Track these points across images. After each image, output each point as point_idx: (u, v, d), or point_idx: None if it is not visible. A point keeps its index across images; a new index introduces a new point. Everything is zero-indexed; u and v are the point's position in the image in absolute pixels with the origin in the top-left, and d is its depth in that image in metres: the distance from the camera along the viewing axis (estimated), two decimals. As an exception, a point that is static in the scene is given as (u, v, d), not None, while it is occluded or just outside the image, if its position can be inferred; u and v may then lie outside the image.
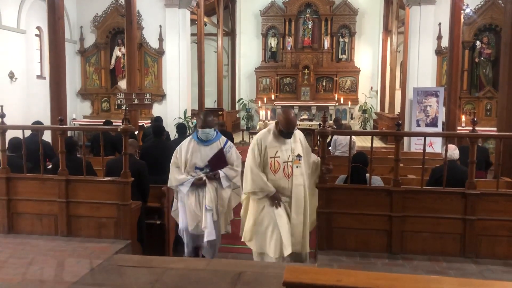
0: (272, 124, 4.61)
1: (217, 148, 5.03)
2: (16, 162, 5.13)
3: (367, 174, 4.75)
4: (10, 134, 5.21)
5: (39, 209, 4.84)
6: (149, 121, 10.67)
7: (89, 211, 4.76)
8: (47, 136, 7.55)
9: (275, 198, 4.35)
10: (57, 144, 5.09)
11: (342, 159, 7.73)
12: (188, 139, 5.14)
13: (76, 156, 5.62)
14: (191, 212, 4.92)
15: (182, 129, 7.48)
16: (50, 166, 6.12)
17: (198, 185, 4.91)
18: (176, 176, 4.98)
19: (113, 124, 8.91)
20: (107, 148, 7.45)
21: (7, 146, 5.14)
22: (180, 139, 7.31)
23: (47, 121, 8.51)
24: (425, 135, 4.63)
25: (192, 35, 14.38)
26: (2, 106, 4.77)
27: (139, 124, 11.37)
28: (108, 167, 5.25)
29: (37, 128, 5.76)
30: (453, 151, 5.48)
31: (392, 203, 4.29)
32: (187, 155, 4.97)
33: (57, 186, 4.78)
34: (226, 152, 5.09)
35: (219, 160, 5.00)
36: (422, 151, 4.64)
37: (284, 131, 4.40)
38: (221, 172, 4.96)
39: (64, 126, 4.90)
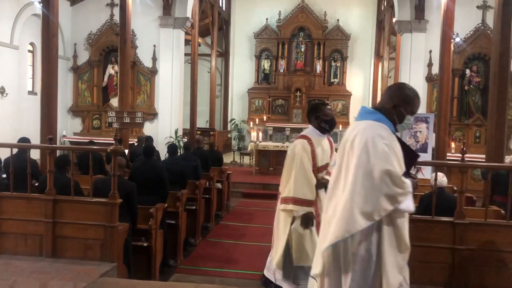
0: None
1: None
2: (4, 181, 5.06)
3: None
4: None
5: (24, 229, 4.76)
6: (136, 140, 10.59)
7: (76, 232, 4.69)
8: (35, 153, 7.49)
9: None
10: (46, 162, 5.02)
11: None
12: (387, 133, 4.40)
13: (65, 175, 5.55)
14: None
15: (173, 150, 7.45)
16: (37, 184, 6.06)
17: None
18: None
19: (95, 143, 8.84)
20: (94, 167, 7.40)
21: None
22: (170, 160, 7.30)
23: (36, 137, 8.46)
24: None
25: (186, 54, 14.49)
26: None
27: (130, 142, 11.35)
28: (96, 187, 5.18)
29: (25, 147, 5.68)
30: (442, 178, 5.51)
31: (382, 231, 4.26)
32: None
33: (43, 205, 4.71)
34: None
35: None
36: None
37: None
38: None
39: (53, 145, 4.86)
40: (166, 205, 6.24)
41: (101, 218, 4.64)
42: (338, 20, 19.25)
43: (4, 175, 5.27)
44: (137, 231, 5.57)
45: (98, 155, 8.23)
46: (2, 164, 5.13)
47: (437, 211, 4.45)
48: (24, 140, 6.35)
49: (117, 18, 12.42)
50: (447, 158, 10.81)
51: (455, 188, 6.48)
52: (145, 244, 5.68)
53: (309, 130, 4.36)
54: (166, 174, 6.12)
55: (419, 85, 12.65)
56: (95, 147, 5.90)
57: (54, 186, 4.82)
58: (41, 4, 8.11)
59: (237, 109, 20.36)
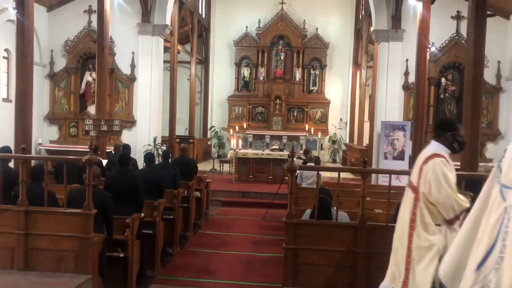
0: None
1: None
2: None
3: (334, 209, 4.78)
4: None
5: (-4, 241, 4.64)
6: (112, 148, 10.44)
7: (49, 243, 4.60)
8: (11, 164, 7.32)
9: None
10: (19, 172, 4.92)
11: (308, 191, 7.80)
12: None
13: (41, 185, 5.43)
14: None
15: (150, 159, 7.36)
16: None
17: None
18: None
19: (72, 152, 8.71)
20: (73, 175, 7.27)
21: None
22: (147, 169, 7.21)
23: (11, 146, 8.24)
24: (390, 172, 4.71)
25: (165, 62, 14.41)
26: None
27: (107, 150, 11.19)
28: (70, 197, 5.09)
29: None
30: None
31: (358, 240, 4.30)
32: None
33: (15, 217, 4.60)
34: None
35: None
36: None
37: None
38: None
39: (27, 155, 4.76)
40: (143, 214, 6.17)
41: (75, 229, 4.56)
42: (317, 28, 19.47)
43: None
44: (113, 242, 5.48)
45: (78, 163, 8.08)
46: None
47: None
48: (5, 149, 6.20)
49: (95, 24, 12.26)
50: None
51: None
52: (122, 255, 5.60)
53: (437, 147, 3.79)
54: (141, 183, 6.06)
55: (396, 94, 12.87)
56: (70, 156, 5.77)
57: (29, 196, 4.71)
58: (16, 10, 7.97)
59: (217, 117, 20.34)
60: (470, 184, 6.43)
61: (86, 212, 4.53)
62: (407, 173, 4.32)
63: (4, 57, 12.45)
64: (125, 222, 5.62)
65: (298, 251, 4.32)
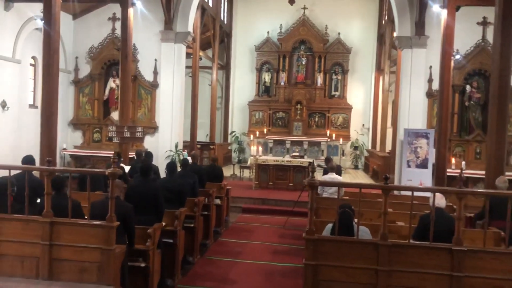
0: None
1: None
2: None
3: (355, 224, 4.73)
4: None
5: (21, 251, 4.74)
6: (134, 154, 10.58)
7: (72, 254, 4.67)
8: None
9: None
10: (44, 184, 5.02)
11: (329, 201, 7.73)
12: None
13: (65, 194, 5.53)
14: None
15: (172, 168, 7.41)
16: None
17: None
18: None
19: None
20: (99, 181, 7.39)
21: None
22: (169, 178, 7.27)
23: (36, 150, 8.45)
24: (412, 189, 4.64)
25: (187, 67, 14.53)
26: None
27: (130, 156, 11.35)
28: (94, 209, 5.17)
29: (24, 168, 5.68)
30: (440, 200, 5.49)
31: (379, 257, 4.25)
32: None
33: (41, 228, 4.70)
34: None
35: None
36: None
37: None
38: None
39: (52, 168, 4.86)
40: (164, 223, 6.24)
41: (98, 241, 4.62)
42: (339, 33, 19.36)
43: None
44: (134, 251, 5.54)
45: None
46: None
47: (435, 231, 4.44)
48: (29, 158, 6.34)
49: (118, 32, 12.48)
50: (447, 173, 10.79)
51: (455, 206, 6.45)
52: (143, 265, 5.66)
53: None
54: (161, 194, 6.13)
55: (419, 101, 12.68)
56: (94, 169, 5.87)
57: (53, 207, 4.81)
58: (43, 21, 8.17)
59: (238, 122, 20.41)
60: (491, 200, 6.31)
61: (108, 225, 4.59)
62: (430, 190, 4.26)
63: (31, 64, 12.75)
64: (146, 232, 5.68)
65: (318, 268, 4.30)
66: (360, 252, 4.29)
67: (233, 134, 20.10)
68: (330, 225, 4.82)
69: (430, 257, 4.25)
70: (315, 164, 11.96)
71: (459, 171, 12.15)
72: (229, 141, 20.18)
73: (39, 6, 10.24)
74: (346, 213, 4.72)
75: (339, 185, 5.23)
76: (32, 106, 12.71)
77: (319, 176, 8.27)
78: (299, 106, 19.07)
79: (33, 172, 6.49)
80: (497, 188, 6.05)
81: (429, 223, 4.49)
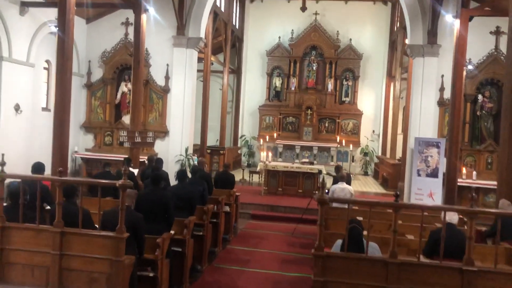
0: None
1: None
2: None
3: (365, 241, 4.71)
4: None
5: (32, 260, 4.80)
6: (146, 158, 10.66)
7: (82, 264, 4.71)
8: (48, 168, 7.55)
9: None
10: (55, 193, 5.07)
11: (339, 211, 7.71)
12: None
13: (75, 202, 5.58)
14: None
15: (182, 175, 7.45)
16: (48, 207, 6.12)
17: None
18: None
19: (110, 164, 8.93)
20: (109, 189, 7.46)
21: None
22: (180, 185, 7.31)
23: (49, 153, 8.53)
24: (422, 207, 4.62)
25: (198, 71, 14.59)
26: (3, 155, 4.80)
27: (140, 160, 11.42)
28: (104, 219, 5.21)
29: (35, 178, 5.74)
30: (452, 216, 5.45)
31: (388, 275, 4.23)
32: None
33: (51, 237, 4.75)
34: None
35: None
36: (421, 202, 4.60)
37: None
38: None
39: (63, 178, 4.90)
40: (173, 232, 6.27)
41: (107, 252, 4.66)
42: (350, 39, 19.32)
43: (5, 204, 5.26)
44: (143, 261, 5.58)
45: (113, 175, 8.29)
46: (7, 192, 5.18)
47: (448, 249, 4.41)
48: (38, 166, 6.41)
49: (131, 36, 12.58)
50: (458, 183, 10.70)
51: (465, 219, 6.40)
52: (151, 274, 5.69)
53: None
54: (172, 203, 6.18)
55: (431, 109, 12.59)
56: (104, 181, 5.92)
57: (63, 214, 4.85)
58: (57, 28, 8.25)
59: (248, 126, 20.45)
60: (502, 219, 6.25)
61: (118, 236, 4.63)
62: (440, 209, 4.23)
63: (44, 68, 12.89)
64: (155, 241, 5.71)
65: (327, 284, 4.29)
66: (369, 269, 4.27)
67: (243, 138, 20.14)
68: (340, 241, 4.81)
69: (440, 276, 4.22)
70: (325, 172, 11.92)
71: (470, 181, 12.13)
72: (239, 145, 20.21)
73: (54, 11, 10.36)
74: (355, 229, 4.71)
75: (350, 201, 5.19)
76: (45, 109, 12.84)
77: (328, 183, 8.24)
78: (309, 111, 19.06)
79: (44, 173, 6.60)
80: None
81: (439, 239, 4.46)
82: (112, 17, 13.89)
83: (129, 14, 12.48)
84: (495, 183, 10.24)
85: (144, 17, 10.92)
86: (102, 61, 13.88)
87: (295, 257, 8.38)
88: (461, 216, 6.66)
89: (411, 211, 8.20)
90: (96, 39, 13.98)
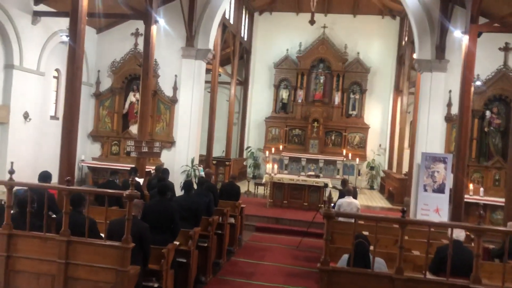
0: None
1: None
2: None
3: (371, 256, 4.69)
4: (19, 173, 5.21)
5: (38, 268, 4.80)
6: (154, 168, 10.73)
7: (87, 274, 4.71)
8: (55, 175, 7.59)
9: None
10: (62, 202, 5.10)
11: (345, 226, 7.67)
12: None
13: (82, 212, 5.60)
14: None
15: (188, 187, 7.47)
16: (54, 216, 6.15)
17: None
18: None
19: (117, 173, 8.98)
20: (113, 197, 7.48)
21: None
22: (185, 196, 7.32)
23: (56, 161, 8.58)
24: (430, 224, 4.59)
25: (206, 82, 14.67)
26: (12, 163, 4.84)
27: (146, 170, 11.46)
28: (110, 229, 5.22)
29: (42, 187, 5.77)
30: (459, 233, 5.42)
31: (394, 291, 4.20)
32: None
33: (58, 246, 4.76)
34: None
35: None
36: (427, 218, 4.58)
37: None
38: None
39: (71, 187, 4.93)
40: (177, 243, 6.27)
41: (113, 262, 4.66)
42: (358, 53, 19.40)
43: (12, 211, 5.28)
44: (147, 271, 5.57)
45: (118, 185, 8.34)
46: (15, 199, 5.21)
47: (454, 266, 4.37)
48: (45, 175, 6.45)
49: (141, 47, 12.69)
50: (465, 200, 10.63)
51: (473, 236, 6.35)
52: (156, 285, 5.68)
53: None
54: (177, 214, 6.20)
55: (438, 125, 12.56)
56: (110, 190, 5.94)
57: (70, 224, 4.87)
58: (68, 37, 8.36)
59: (254, 137, 20.48)
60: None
61: (124, 246, 4.63)
62: (447, 225, 4.20)
63: (54, 77, 13.02)
64: (160, 252, 5.71)
65: (332, 299, 4.26)
66: (375, 285, 4.24)
67: (249, 149, 20.16)
68: (346, 256, 4.79)
69: (447, 294, 4.18)
70: (331, 186, 11.86)
71: (477, 197, 12.04)
72: (244, 156, 20.22)
73: (65, 21, 10.51)
74: (361, 244, 4.68)
75: (356, 216, 5.18)
76: (54, 117, 12.95)
77: (334, 196, 8.21)
78: (315, 124, 19.08)
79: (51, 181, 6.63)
80: None
81: (446, 256, 4.43)
82: (122, 28, 14.04)
83: (139, 24, 12.64)
84: (502, 200, 10.19)
85: (154, 28, 11.04)
86: (111, 70, 14.01)
87: (300, 270, 8.32)
88: (468, 233, 6.61)
89: (418, 226, 8.15)
90: (106, 49, 14.13)
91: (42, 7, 11.55)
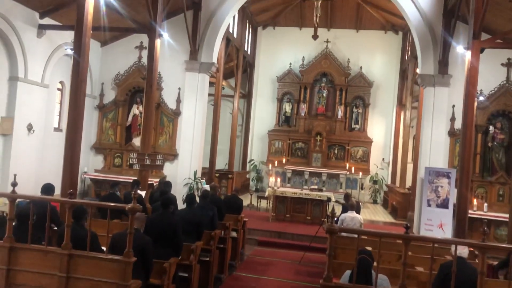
0: None
1: None
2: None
3: (374, 272, 4.64)
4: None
5: (38, 282, 4.77)
6: (157, 180, 10.71)
7: (88, 288, 4.68)
8: (57, 185, 7.57)
9: None
10: (64, 215, 5.08)
11: (348, 241, 7.60)
12: None
13: (83, 225, 5.58)
14: None
15: (191, 200, 7.44)
16: (55, 228, 6.12)
17: None
18: None
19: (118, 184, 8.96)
20: (115, 210, 7.46)
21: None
22: (188, 209, 7.29)
23: (59, 173, 8.58)
24: (433, 240, 4.55)
25: (209, 95, 14.73)
26: (15, 175, 4.84)
27: (149, 182, 11.43)
28: (113, 242, 5.19)
29: (45, 199, 5.77)
30: (462, 250, 5.36)
31: (398, 309, 4.15)
32: None
33: (59, 259, 4.73)
34: None
35: None
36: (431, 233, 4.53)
37: None
38: None
39: (73, 200, 4.92)
40: (180, 257, 6.23)
41: (114, 276, 4.63)
42: (361, 67, 19.47)
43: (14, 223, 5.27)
44: (149, 286, 5.53)
45: (119, 198, 8.33)
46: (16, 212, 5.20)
47: (458, 283, 4.31)
48: (48, 187, 6.45)
49: (145, 60, 12.79)
50: (469, 215, 10.55)
51: (476, 252, 6.28)
52: (157, 300, 5.63)
53: None
54: (180, 228, 6.17)
55: (441, 139, 12.54)
56: (112, 204, 5.92)
57: (71, 237, 4.85)
58: (73, 50, 8.42)
59: (257, 150, 20.48)
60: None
61: (125, 260, 4.60)
62: (451, 242, 4.16)
63: (58, 89, 13.09)
64: (162, 266, 5.68)
65: (335, 316, 4.21)
66: (378, 302, 4.19)
67: (252, 162, 20.14)
68: (348, 272, 4.74)
69: (451, 311, 4.12)
70: (334, 200, 11.80)
71: (481, 212, 11.95)
72: (247, 169, 20.20)
73: (70, 34, 10.61)
74: (364, 260, 4.64)
75: (360, 232, 5.14)
76: (57, 129, 12.99)
77: (337, 211, 8.16)
78: (318, 138, 19.08)
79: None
80: None
81: (449, 273, 4.37)
82: (126, 41, 14.15)
83: (143, 38, 12.75)
84: (507, 215, 10.13)
85: (158, 42, 11.10)
86: (115, 83, 14.08)
87: (302, 286, 8.25)
88: (471, 249, 6.55)
89: (421, 241, 8.08)
90: (110, 62, 14.23)
91: (47, 21, 11.67)
